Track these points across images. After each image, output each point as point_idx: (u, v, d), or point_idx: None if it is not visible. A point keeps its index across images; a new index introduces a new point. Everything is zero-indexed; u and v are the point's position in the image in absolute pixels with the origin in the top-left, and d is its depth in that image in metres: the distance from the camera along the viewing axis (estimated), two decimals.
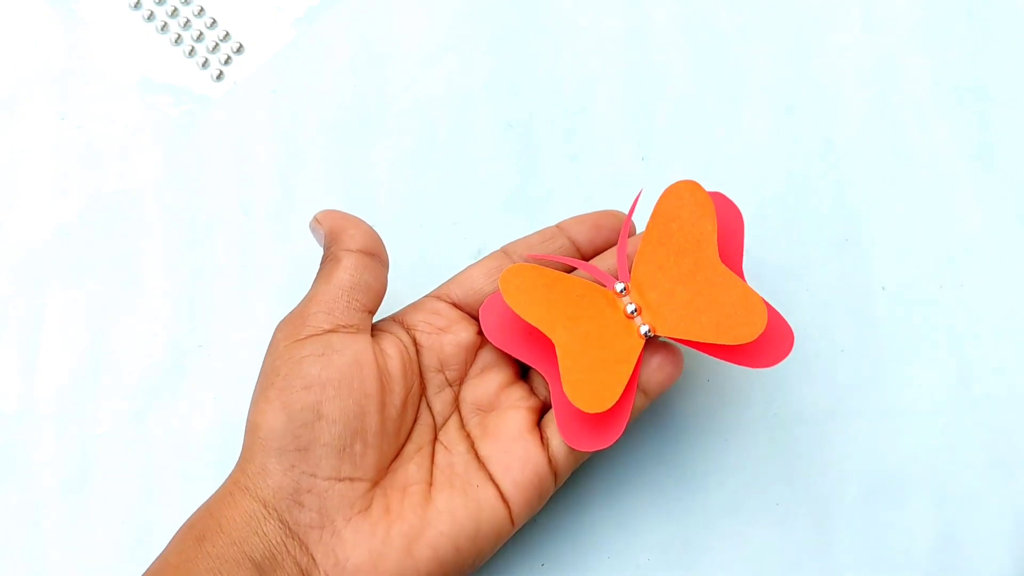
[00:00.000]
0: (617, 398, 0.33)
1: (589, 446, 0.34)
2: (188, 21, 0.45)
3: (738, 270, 0.35)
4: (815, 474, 0.38)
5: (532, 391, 0.36)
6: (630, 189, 0.42)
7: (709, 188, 0.35)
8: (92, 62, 0.44)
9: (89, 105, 0.43)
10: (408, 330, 0.36)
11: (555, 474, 0.34)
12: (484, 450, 0.34)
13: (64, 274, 0.41)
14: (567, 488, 0.38)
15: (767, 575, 0.37)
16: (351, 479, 0.32)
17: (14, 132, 0.43)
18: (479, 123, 0.43)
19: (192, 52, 0.44)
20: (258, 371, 0.33)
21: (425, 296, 0.37)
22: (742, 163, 0.42)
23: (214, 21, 0.45)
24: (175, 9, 0.45)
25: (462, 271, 0.37)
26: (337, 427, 0.32)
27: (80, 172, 0.42)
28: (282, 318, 0.34)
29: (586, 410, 0.33)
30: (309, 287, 0.35)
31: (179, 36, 0.44)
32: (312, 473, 0.31)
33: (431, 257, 0.41)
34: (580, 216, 0.37)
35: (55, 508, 0.38)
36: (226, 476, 0.33)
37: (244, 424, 0.33)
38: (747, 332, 0.33)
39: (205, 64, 0.44)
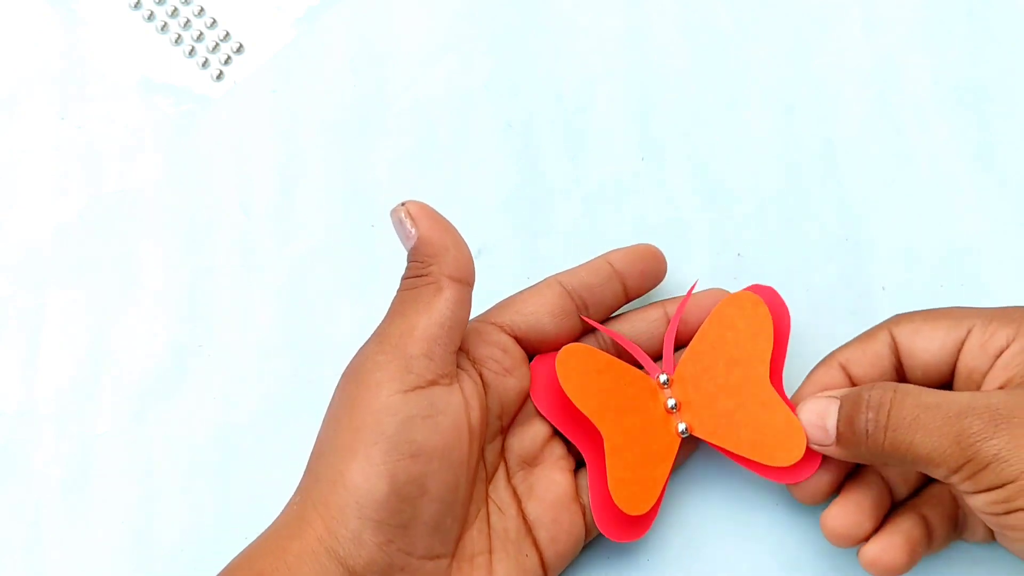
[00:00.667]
0: (655, 500, 0.34)
1: (622, 538, 0.35)
2: (188, 21, 0.45)
3: (778, 378, 0.35)
4: None
5: (568, 450, 0.36)
6: (630, 189, 0.42)
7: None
8: (92, 62, 0.44)
9: (89, 105, 0.43)
10: (476, 366, 0.34)
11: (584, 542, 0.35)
12: (531, 512, 0.34)
13: (64, 274, 0.41)
14: None
15: (767, 575, 0.37)
16: (439, 556, 0.32)
17: (14, 132, 0.43)
18: (479, 123, 0.43)
19: (192, 52, 0.44)
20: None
21: (487, 322, 0.35)
22: (742, 163, 0.42)
23: (214, 21, 0.45)
24: (175, 9, 0.45)
25: (521, 296, 0.36)
26: (437, 504, 0.31)
27: (80, 172, 0.42)
28: (371, 338, 0.32)
29: (628, 512, 0.34)
30: (392, 300, 0.33)
31: (179, 36, 0.44)
32: (408, 552, 0.30)
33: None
34: (626, 251, 0.37)
35: (55, 508, 0.38)
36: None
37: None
38: (784, 457, 0.34)
39: (205, 64, 0.44)
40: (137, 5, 0.45)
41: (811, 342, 0.39)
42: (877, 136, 0.42)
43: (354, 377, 0.32)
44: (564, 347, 0.34)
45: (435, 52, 0.44)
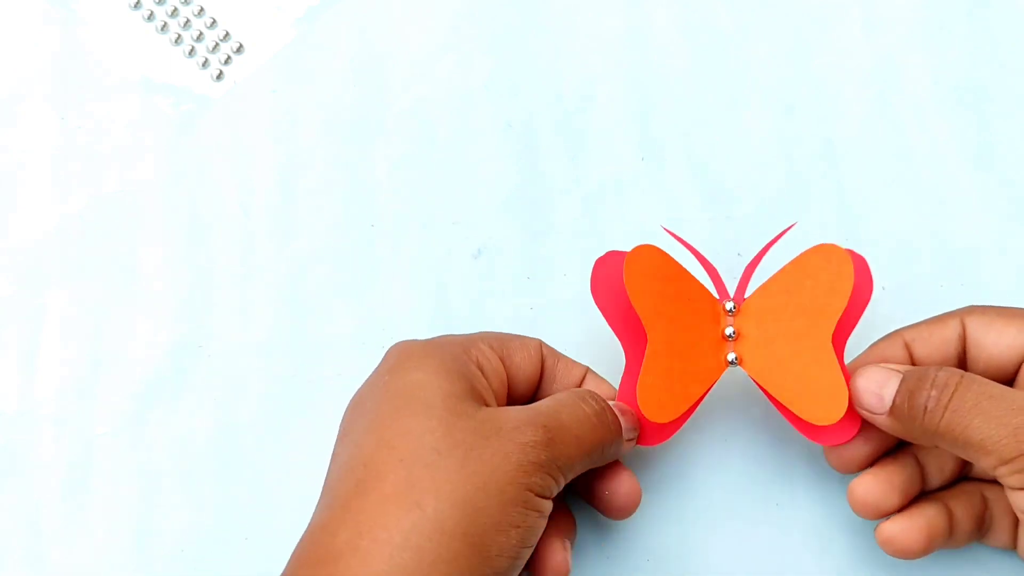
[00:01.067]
0: (679, 414, 0.34)
1: (646, 442, 0.35)
2: (188, 21, 0.45)
3: (841, 342, 0.35)
4: (815, 474, 0.38)
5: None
6: (630, 189, 0.42)
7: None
8: (92, 62, 0.44)
9: (89, 105, 0.43)
10: None
11: None
12: None
13: (64, 274, 0.41)
14: (567, 487, 0.38)
15: (767, 575, 0.37)
16: None
17: (14, 132, 0.43)
18: (479, 123, 0.43)
19: (192, 52, 0.44)
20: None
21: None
22: (742, 163, 0.42)
23: (214, 21, 0.45)
24: (175, 9, 0.45)
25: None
26: None
27: (80, 172, 0.42)
28: None
29: (648, 417, 0.33)
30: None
31: (179, 36, 0.44)
32: None
33: (431, 257, 0.41)
34: None
35: (55, 508, 0.38)
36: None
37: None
38: (823, 416, 0.33)
39: (205, 64, 0.44)
40: (137, 5, 0.45)
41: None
42: (877, 136, 0.42)
43: None
44: (637, 245, 0.34)
45: (435, 52, 0.44)
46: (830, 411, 0.33)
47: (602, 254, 0.35)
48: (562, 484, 0.31)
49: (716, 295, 0.36)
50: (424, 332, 0.40)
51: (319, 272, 0.41)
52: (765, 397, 0.35)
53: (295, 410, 0.39)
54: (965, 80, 0.43)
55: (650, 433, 0.35)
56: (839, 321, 0.34)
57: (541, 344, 0.35)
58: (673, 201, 0.42)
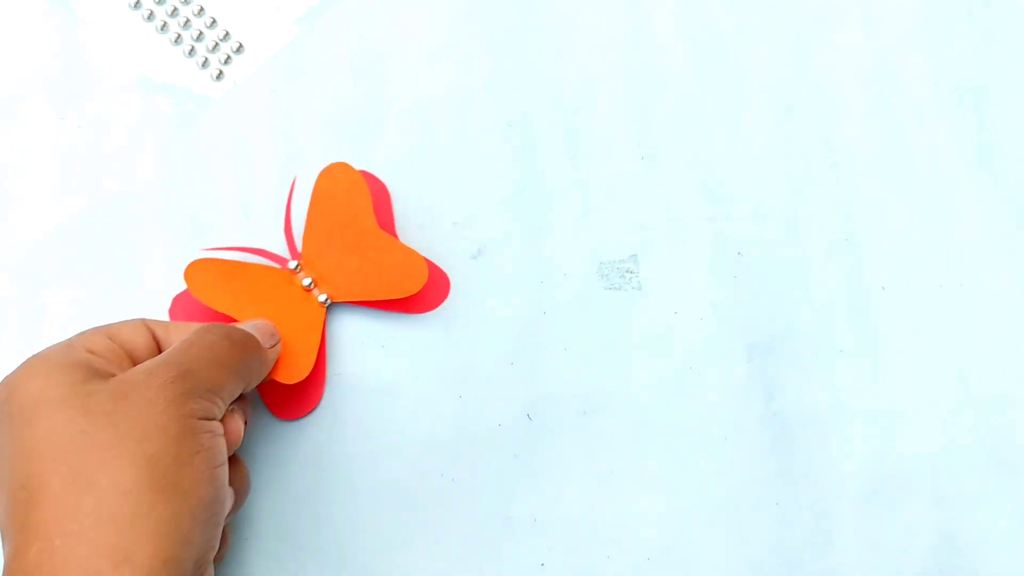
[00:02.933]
0: (312, 365, 0.38)
1: (295, 414, 0.39)
2: (188, 21, 0.45)
3: (391, 229, 0.40)
4: (815, 474, 0.38)
5: None
6: (630, 189, 0.42)
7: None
8: (92, 62, 0.44)
9: (89, 105, 0.43)
10: None
11: None
12: None
13: (64, 274, 0.41)
14: (567, 487, 0.38)
15: (767, 575, 0.37)
16: None
17: (14, 132, 0.43)
18: (479, 123, 0.43)
19: (192, 52, 0.44)
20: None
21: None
22: (742, 163, 0.42)
23: (214, 21, 0.45)
24: (175, 9, 0.45)
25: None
26: None
27: (80, 172, 0.42)
28: None
29: (286, 381, 0.37)
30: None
31: (179, 36, 0.44)
32: None
33: (431, 257, 0.41)
34: None
35: None
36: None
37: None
38: (412, 285, 0.38)
39: (205, 64, 0.44)
40: (137, 5, 0.45)
41: (811, 342, 0.39)
42: (877, 136, 0.42)
43: None
44: (189, 263, 0.38)
45: (435, 52, 0.44)
46: (416, 279, 0.38)
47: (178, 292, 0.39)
48: (222, 404, 0.32)
49: (280, 265, 0.39)
50: (424, 332, 0.40)
51: None
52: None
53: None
54: (965, 80, 0.43)
55: (303, 398, 0.39)
56: (383, 220, 0.40)
57: (144, 319, 0.35)
58: (673, 201, 0.42)
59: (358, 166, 0.41)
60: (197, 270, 0.38)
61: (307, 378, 0.38)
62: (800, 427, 0.39)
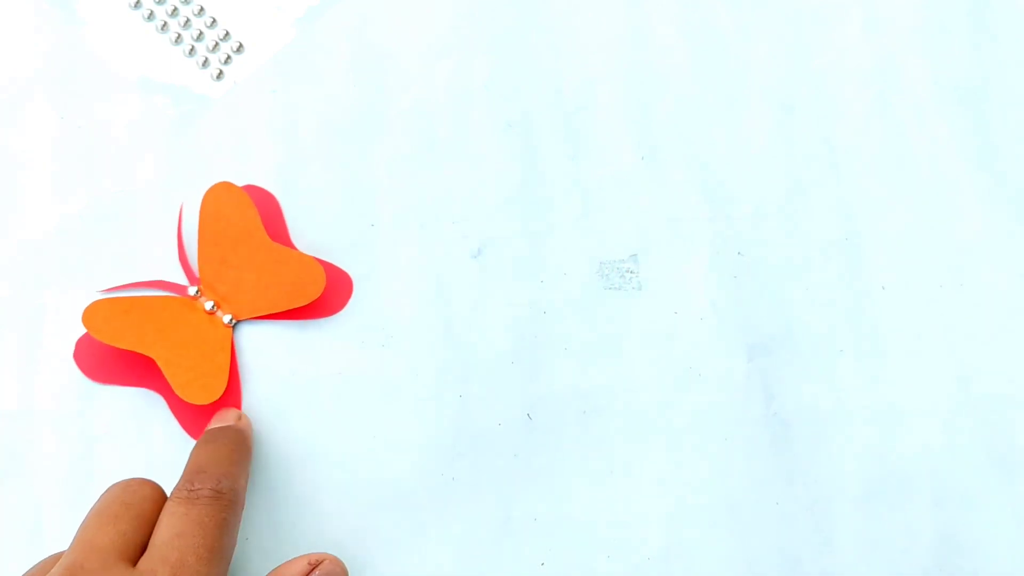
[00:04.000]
0: (225, 384, 0.38)
1: None
2: (188, 20, 0.45)
3: (288, 244, 0.40)
4: (815, 474, 0.38)
5: None
6: (630, 189, 0.42)
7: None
8: (92, 62, 0.44)
9: (89, 105, 0.43)
10: None
11: None
12: None
13: (64, 274, 0.41)
14: (567, 487, 0.38)
15: (767, 575, 0.37)
16: None
17: (14, 132, 0.43)
18: (479, 123, 0.43)
19: (192, 51, 0.44)
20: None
21: None
22: (742, 163, 0.42)
23: (214, 20, 0.45)
24: (175, 8, 0.45)
25: None
26: None
27: (80, 172, 0.42)
28: None
29: (201, 403, 0.38)
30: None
31: (179, 36, 0.44)
32: None
33: (431, 257, 0.41)
34: None
35: (55, 508, 0.38)
36: None
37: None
38: (313, 291, 0.39)
39: (205, 64, 0.44)
40: (137, 5, 0.45)
41: (811, 342, 0.39)
42: (877, 136, 0.42)
43: None
44: (85, 307, 0.38)
45: (435, 52, 0.44)
46: (316, 281, 0.39)
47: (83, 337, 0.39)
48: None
49: (179, 293, 0.40)
50: (424, 332, 0.40)
51: None
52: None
53: (293, 410, 0.39)
54: (965, 80, 0.43)
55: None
56: (276, 231, 0.40)
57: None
58: (673, 201, 0.42)
59: (357, 165, 0.41)
60: (95, 312, 0.38)
61: (222, 398, 0.38)
62: (800, 427, 0.39)
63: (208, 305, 0.39)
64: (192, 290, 0.39)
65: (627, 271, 0.41)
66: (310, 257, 0.39)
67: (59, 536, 0.38)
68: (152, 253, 0.41)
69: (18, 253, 0.41)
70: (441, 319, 0.40)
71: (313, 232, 0.42)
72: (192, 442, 0.38)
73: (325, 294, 0.39)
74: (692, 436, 0.39)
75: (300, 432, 0.39)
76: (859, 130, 0.42)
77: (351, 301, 0.40)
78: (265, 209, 0.41)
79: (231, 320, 0.39)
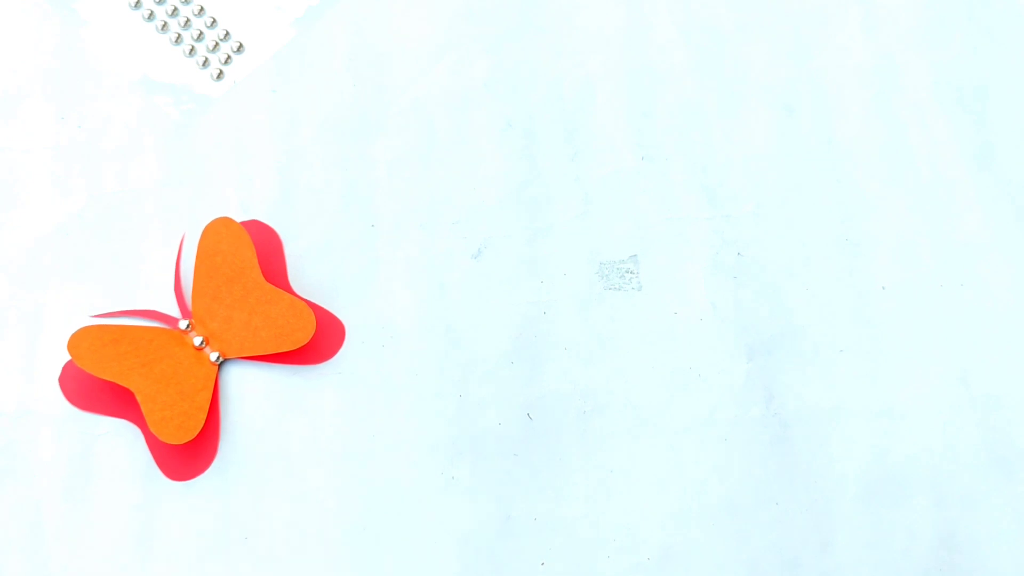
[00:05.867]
0: (202, 425, 0.37)
1: (187, 476, 0.38)
2: (188, 20, 0.45)
3: (284, 285, 0.40)
4: (815, 474, 0.38)
5: None
6: (630, 189, 0.42)
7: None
8: (92, 62, 0.44)
9: (89, 105, 0.43)
10: None
11: None
12: None
13: (64, 274, 0.41)
14: (567, 486, 0.38)
15: (767, 575, 0.37)
16: None
17: (14, 132, 0.43)
18: (479, 123, 0.43)
19: (192, 52, 0.44)
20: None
21: None
22: (742, 163, 0.42)
23: (214, 20, 0.45)
24: (175, 9, 0.45)
25: None
26: None
27: (80, 172, 0.42)
28: None
29: (174, 442, 0.37)
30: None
31: (179, 36, 0.44)
32: None
33: (431, 257, 0.41)
34: None
35: (55, 508, 0.38)
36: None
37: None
38: (302, 336, 0.38)
39: (205, 64, 0.44)
40: (137, 5, 0.45)
41: (811, 342, 0.39)
42: (877, 136, 0.42)
43: None
44: (72, 333, 0.37)
45: (435, 52, 0.44)
46: (305, 329, 0.38)
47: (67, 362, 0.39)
48: None
49: (170, 325, 0.39)
50: (424, 332, 0.40)
51: (319, 272, 0.41)
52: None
53: (292, 409, 0.39)
54: (965, 80, 0.43)
55: (195, 458, 0.38)
56: (273, 270, 0.40)
57: None
58: (673, 201, 0.42)
59: (357, 165, 0.41)
60: (82, 339, 0.37)
61: (199, 438, 0.38)
62: (800, 427, 0.39)
63: (197, 340, 0.38)
64: (183, 323, 0.39)
65: (627, 271, 0.41)
66: (302, 302, 0.38)
67: (60, 536, 0.38)
68: (152, 254, 0.41)
69: (18, 253, 0.41)
70: (441, 319, 0.40)
71: (313, 232, 0.42)
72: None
73: (315, 340, 0.39)
74: (692, 436, 0.39)
75: (300, 432, 0.39)
76: (859, 130, 0.42)
77: (351, 301, 0.40)
78: (266, 245, 0.40)
79: (218, 358, 0.39)
